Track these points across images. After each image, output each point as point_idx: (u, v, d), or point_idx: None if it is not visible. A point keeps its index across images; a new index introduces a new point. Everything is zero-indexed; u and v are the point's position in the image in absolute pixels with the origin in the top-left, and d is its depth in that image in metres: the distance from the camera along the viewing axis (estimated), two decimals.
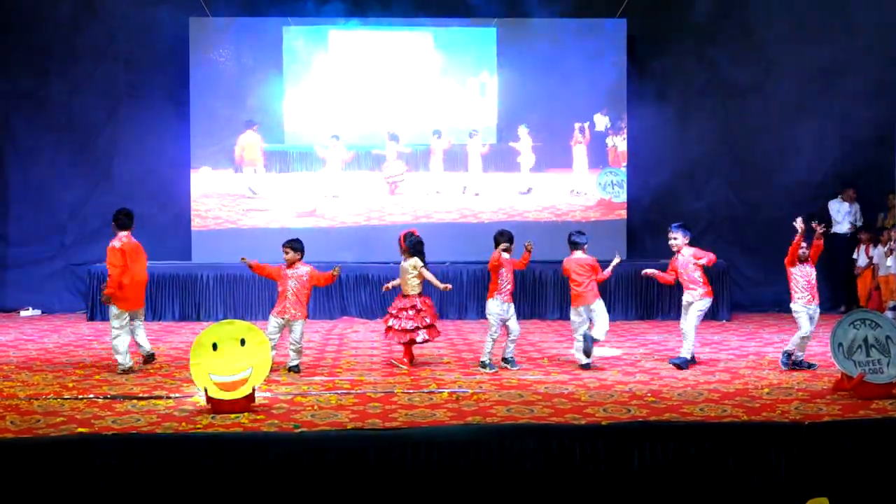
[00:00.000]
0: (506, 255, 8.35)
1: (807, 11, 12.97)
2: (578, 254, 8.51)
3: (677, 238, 8.54)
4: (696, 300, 8.41)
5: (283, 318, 8.21)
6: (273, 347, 8.15)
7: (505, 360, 8.38)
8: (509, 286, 8.39)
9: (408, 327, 8.42)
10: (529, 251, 8.45)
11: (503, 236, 8.43)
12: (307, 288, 8.35)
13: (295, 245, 8.39)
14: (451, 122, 13.18)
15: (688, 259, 8.48)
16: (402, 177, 13.12)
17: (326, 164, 13.08)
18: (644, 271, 8.97)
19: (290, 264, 8.34)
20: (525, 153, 13.22)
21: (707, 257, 8.49)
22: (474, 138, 13.17)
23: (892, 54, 12.68)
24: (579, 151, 13.23)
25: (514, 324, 8.42)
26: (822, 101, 13.36)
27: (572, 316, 8.47)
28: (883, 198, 12.81)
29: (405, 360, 8.49)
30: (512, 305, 8.44)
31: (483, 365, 8.26)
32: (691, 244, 8.65)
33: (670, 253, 8.72)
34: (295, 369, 8.11)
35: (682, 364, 8.30)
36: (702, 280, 8.44)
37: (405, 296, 8.56)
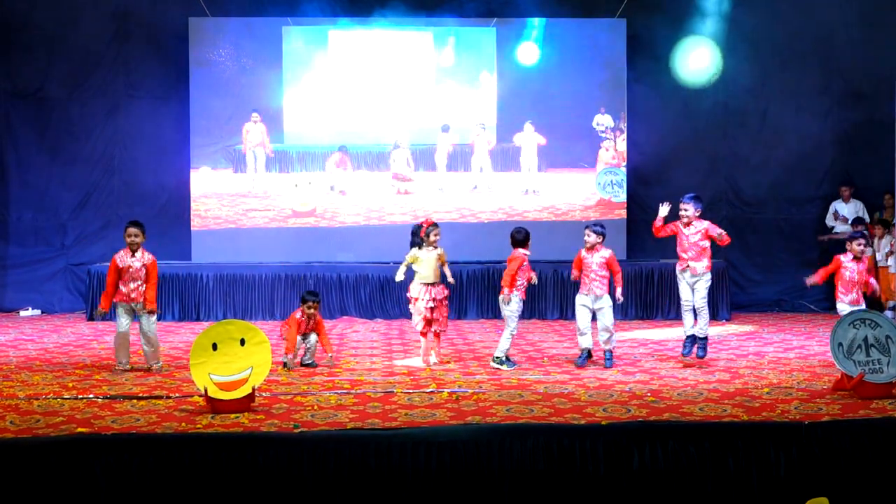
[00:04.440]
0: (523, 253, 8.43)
1: (807, 13, 12.98)
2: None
3: (688, 210, 8.36)
4: (702, 273, 8.32)
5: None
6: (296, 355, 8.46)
7: (495, 356, 8.42)
8: (524, 284, 8.45)
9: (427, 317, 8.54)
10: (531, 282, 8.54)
11: (520, 234, 8.50)
12: None
13: (318, 298, 8.73)
14: (452, 122, 13.18)
15: (701, 230, 8.32)
16: (410, 181, 13.12)
17: (329, 172, 13.09)
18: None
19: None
20: (528, 151, 13.21)
21: (721, 232, 8.30)
22: (482, 133, 13.16)
23: (892, 53, 12.70)
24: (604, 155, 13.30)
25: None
26: (823, 101, 13.40)
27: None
28: (880, 197, 12.82)
29: (426, 358, 8.61)
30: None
31: (501, 362, 8.28)
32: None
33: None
34: (313, 364, 8.43)
35: (706, 344, 8.36)
36: (709, 253, 8.40)
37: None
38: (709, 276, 8.42)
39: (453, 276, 8.84)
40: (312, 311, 8.50)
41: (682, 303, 8.55)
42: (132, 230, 8.29)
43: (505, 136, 13.24)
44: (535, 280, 8.58)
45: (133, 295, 8.23)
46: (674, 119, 13.30)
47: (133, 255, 8.26)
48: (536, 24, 13.12)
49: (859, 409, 6.41)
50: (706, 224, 8.41)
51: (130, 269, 8.22)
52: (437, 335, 8.65)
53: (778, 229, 13.61)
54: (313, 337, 8.54)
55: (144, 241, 8.36)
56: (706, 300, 8.43)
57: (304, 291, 8.94)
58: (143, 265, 8.27)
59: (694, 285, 8.40)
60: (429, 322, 8.52)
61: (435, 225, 8.66)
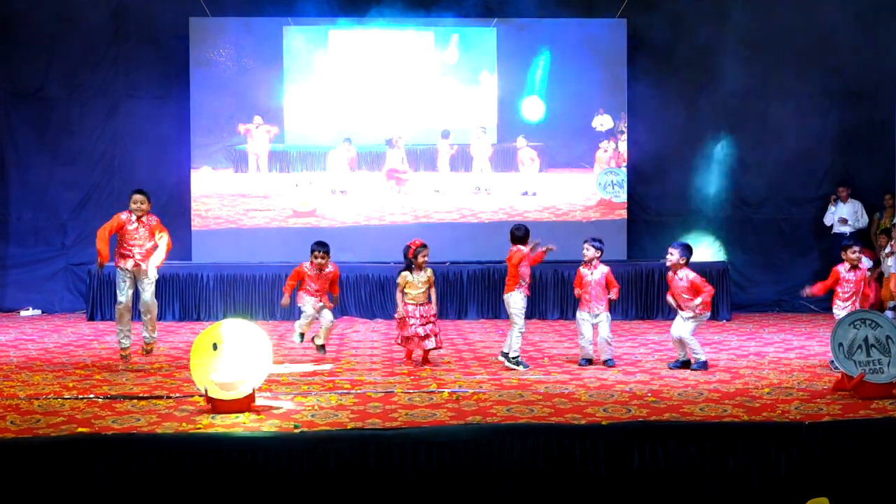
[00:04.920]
0: (525, 250, 8.41)
1: (807, 13, 12.98)
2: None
3: (673, 255, 8.25)
4: (698, 314, 8.19)
5: (318, 303, 8.73)
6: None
7: (511, 357, 8.36)
8: (527, 280, 8.44)
9: (420, 333, 8.55)
10: (545, 251, 8.49)
11: (520, 230, 8.49)
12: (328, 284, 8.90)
13: (327, 249, 8.86)
14: (452, 121, 13.18)
15: (686, 284, 8.18)
16: (406, 175, 13.12)
17: (332, 167, 13.07)
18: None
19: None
20: (529, 161, 13.21)
21: (704, 294, 8.12)
22: (483, 136, 13.15)
23: (892, 53, 12.71)
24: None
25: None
26: (823, 101, 13.41)
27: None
28: (880, 198, 12.82)
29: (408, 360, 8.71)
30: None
31: (518, 363, 8.23)
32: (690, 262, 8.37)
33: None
34: (322, 349, 8.66)
35: (704, 365, 8.16)
36: (695, 299, 8.19)
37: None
38: (705, 315, 8.29)
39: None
40: (321, 261, 8.64)
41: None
42: (138, 197, 8.29)
43: (505, 137, 13.24)
44: (555, 248, 8.52)
45: (137, 258, 8.22)
46: (674, 119, 13.31)
47: (138, 221, 8.27)
48: (541, 67, 13.13)
49: (860, 410, 6.41)
50: (692, 277, 8.20)
51: (132, 231, 8.22)
52: (426, 353, 8.62)
53: (778, 229, 13.61)
54: (327, 315, 8.64)
55: (150, 208, 8.41)
56: (692, 335, 8.23)
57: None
58: (149, 227, 8.30)
59: (686, 320, 8.27)
60: (420, 340, 8.54)
61: (424, 246, 8.63)
